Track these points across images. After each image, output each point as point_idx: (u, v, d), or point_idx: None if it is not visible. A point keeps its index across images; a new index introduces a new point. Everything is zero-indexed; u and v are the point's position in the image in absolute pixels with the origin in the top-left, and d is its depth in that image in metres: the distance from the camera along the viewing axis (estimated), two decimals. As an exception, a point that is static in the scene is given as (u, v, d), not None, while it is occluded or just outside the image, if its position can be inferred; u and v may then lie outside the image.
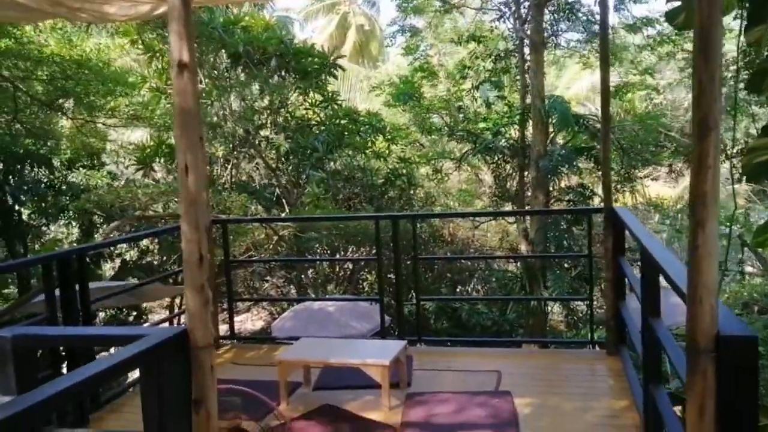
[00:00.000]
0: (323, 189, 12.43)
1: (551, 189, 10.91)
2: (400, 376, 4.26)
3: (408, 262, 9.69)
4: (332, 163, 12.90)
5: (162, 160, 11.40)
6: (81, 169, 12.49)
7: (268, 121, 12.61)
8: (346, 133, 13.67)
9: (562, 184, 11.95)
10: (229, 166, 12.58)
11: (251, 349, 5.33)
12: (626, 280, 4.34)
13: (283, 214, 12.03)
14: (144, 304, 12.12)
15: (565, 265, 10.39)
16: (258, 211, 10.99)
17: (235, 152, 12.95)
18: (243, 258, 9.93)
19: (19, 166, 11.25)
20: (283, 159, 12.67)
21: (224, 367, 4.88)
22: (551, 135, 11.16)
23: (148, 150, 11.29)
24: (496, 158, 12.65)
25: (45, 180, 11.80)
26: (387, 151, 14.14)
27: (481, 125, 12.74)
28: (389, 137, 13.91)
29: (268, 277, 13.61)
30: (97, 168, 12.54)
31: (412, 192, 14.64)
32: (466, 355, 5.05)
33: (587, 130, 10.49)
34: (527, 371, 4.55)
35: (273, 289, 14.17)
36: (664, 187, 17.92)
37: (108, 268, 13.45)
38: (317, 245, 11.62)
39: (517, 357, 4.92)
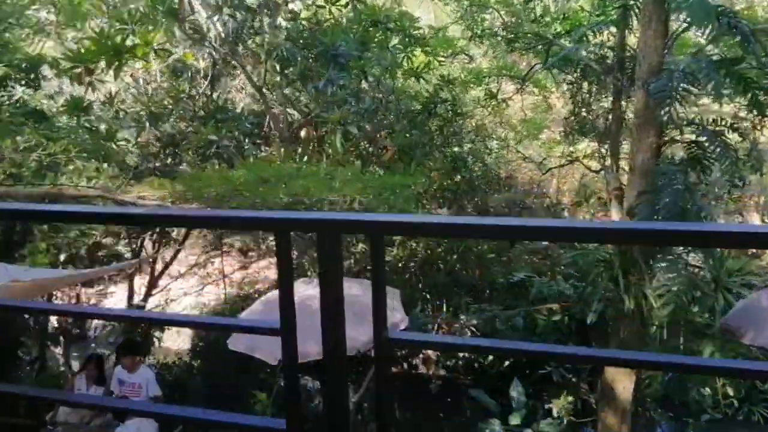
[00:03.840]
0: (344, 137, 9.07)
1: (667, 124, 7.02)
2: None
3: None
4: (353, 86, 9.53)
5: (104, 64, 7.84)
6: (18, 86, 9.46)
7: (264, 23, 9.20)
8: (373, 45, 10.26)
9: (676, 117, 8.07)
10: (204, 84, 9.22)
11: None
12: None
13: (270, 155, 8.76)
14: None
15: (678, 250, 6.75)
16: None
17: (217, 65, 9.65)
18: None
19: None
20: (278, 74, 9.25)
21: None
22: (669, 41, 7.20)
23: (89, 47, 7.96)
24: (577, 75, 8.86)
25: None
26: (426, 68, 10.55)
27: (557, 28, 8.88)
28: (428, 48, 10.28)
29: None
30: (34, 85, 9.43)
31: (459, 122, 11.17)
32: None
33: (737, 33, 6.49)
34: None
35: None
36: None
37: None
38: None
39: None
